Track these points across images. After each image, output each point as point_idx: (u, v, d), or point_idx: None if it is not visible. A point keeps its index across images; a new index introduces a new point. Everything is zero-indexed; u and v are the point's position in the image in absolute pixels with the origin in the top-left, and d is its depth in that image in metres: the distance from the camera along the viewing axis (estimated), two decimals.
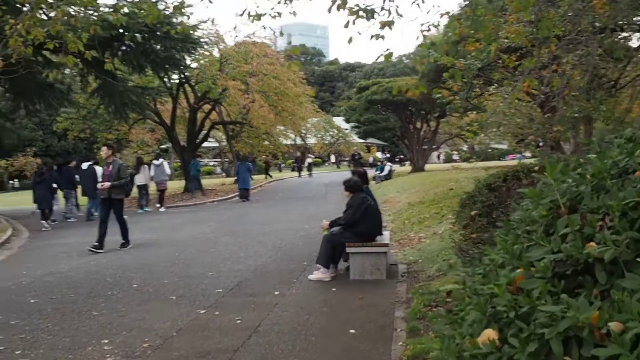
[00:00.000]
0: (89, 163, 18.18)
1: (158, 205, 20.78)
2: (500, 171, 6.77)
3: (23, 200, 26.79)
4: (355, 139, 57.81)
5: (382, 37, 6.30)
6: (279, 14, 6.61)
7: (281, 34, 8.93)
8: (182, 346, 5.22)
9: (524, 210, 2.41)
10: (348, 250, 7.81)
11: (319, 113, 56.52)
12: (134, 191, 21.06)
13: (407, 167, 41.25)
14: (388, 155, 60.60)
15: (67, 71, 22.08)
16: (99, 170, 16.37)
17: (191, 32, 21.08)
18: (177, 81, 27.95)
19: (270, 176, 38.75)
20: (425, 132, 37.45)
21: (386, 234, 8.77)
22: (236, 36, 32.13)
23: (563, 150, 15.11)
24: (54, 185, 17.36)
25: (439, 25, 7.25)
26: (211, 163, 59.12)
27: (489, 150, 27.30)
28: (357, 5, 6.05)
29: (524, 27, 8.24)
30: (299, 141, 60.41)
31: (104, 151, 11.65)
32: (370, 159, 55.81)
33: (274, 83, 30.66)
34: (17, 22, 6.21)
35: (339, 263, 8.13)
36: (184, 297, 7.08)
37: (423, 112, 34.53)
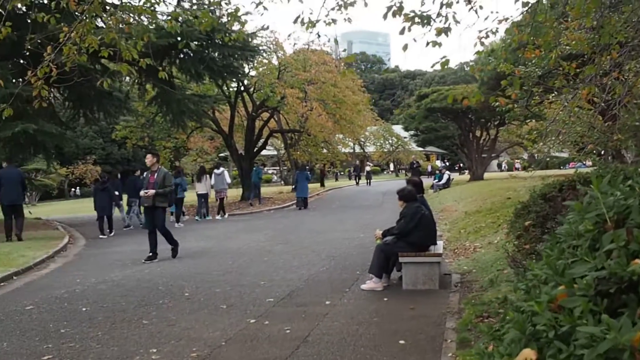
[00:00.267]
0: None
1: (220, 214, 20.88)
2: (556, 181, 6.59)
3: (83, 208, 27.38)
4: (414, 147, 57.35)
5: (439, 44, 6.17)
6: (334, 21, 6.53)
7: (336, 41, 8.96)
8: (230, 356, 5.25)
9: (569, 223, 2.32)
10: (401, 260, 7.73)
11: (379, 121, 56.50)
12: (194, 199, 21.44)
13: (466, 175, 40.63)
14: (447, 163, 59.84)
15: (126, 79, 22.54)
16: None
17: (249, 39, 21.09)
18: (235, 89, 28.15)
19: (323, 186, 38.47)
20: (485, 141, 36.80)
21: (440, 243, 8.66)
22: (295, 44, 32.38)
23: (624, 159, 14.58)
24: (116, 193, 17.56)
25: (497, 31, 7.10)
26: (270, 171, 59.77)
27: (549, 159, 26.59)
28: (412, 11, 5.97)
29: (585, 34, 8.01)
30: (357, 149, 60.51)
31: (149, 159, 11.42)
32: (429, 168, 55.28)
33: (332, 91, 30.64)
34: (72, 29, 6.25)
35: (391, 273, 8.06)
36: (234, 306, 7.08)
37: (482, 120, 33.93)
